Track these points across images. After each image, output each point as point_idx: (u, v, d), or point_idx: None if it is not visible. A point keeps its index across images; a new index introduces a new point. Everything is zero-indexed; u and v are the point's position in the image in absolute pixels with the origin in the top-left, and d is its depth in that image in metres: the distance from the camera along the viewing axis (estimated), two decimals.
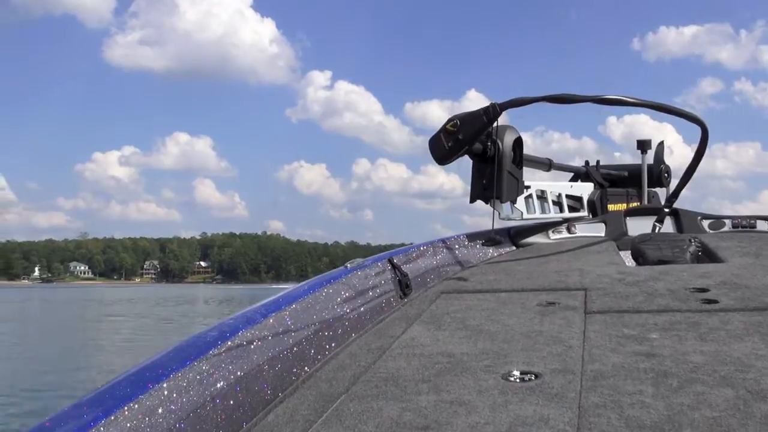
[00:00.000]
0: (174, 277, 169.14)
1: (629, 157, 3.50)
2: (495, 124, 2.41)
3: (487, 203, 2.51)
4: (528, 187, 2.62)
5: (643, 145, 3.18)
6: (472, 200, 2.48)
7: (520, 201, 2.55)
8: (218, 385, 1.16)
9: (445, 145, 2.40)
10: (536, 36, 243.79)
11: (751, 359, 1.18)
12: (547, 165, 2.93)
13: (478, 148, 2.43)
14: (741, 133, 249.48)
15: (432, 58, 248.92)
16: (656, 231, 2.60)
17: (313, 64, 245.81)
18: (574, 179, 3.14)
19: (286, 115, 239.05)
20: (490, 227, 2.58)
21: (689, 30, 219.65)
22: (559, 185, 2.87)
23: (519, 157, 2.51)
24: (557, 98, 2.56)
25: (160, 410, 1.05)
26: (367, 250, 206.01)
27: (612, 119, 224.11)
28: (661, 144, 3.29)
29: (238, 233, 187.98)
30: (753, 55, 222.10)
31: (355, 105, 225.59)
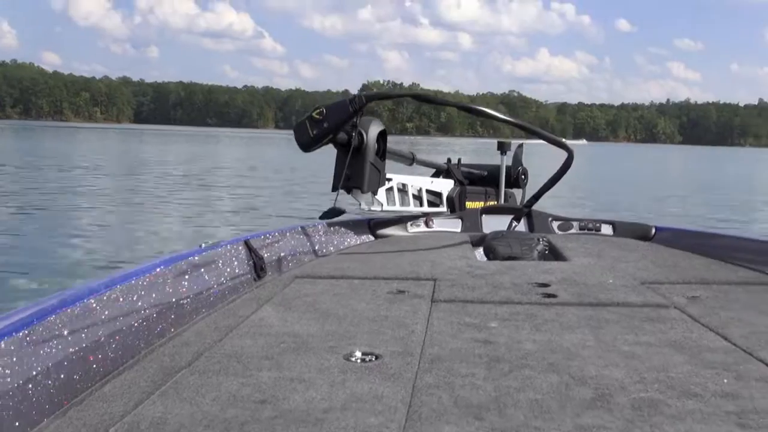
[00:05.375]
0: None
1: None
2: (360, 115, 2.72)
3: (348, 193, 2.83)
4: (390, 180, 2.95)
5: (503, 147, 3.62)
6: (334, 189, 2.77)
7: (381, 193, 2.87)
8: (55, 355, 1.26)
9: (310, 133, 2.69)
10: None
11: (578, 349, 1.46)
12: (410, 159, 3.29)
13: (342, 137, 2.72)
14: None
15: None
16: (511, 229, 3.01)
17: None
18: (435, 175, 3.53)
19: None
20: (351, 217, 2.90)
21: None
22: (420, 180, 3.23)
23: (382, 150, 2.84)
24: (424, 98, 2.93)
25: None
26: (139, 86, 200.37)
27: None
28: (520, 146, 3.75)
29: None
30: None
31: None
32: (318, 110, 2.69)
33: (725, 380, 1.26)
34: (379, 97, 2.79)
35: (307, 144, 2.70)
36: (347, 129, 2.72)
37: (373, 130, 2.77)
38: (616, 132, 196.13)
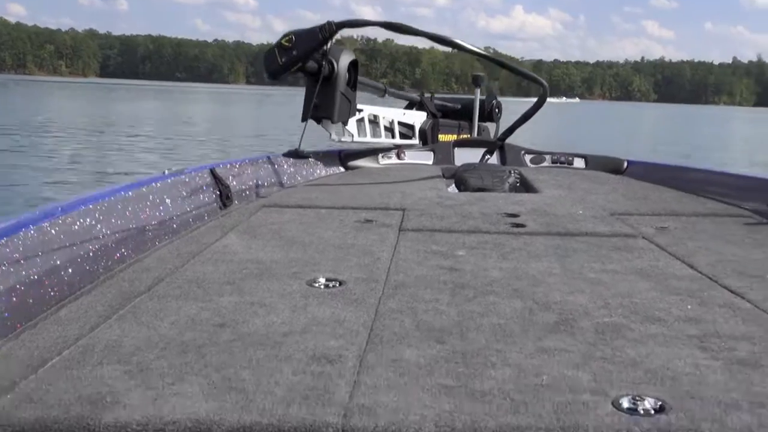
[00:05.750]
0: None
1: None
2: (330, 43, 2.68)
3: (318, 123, 2.80)
4: (361, 111, 2.93)
5: (477, 80, 3.60)
6: (304, 119, 2.74)
7: (352, 123, 2.85)
8: (8, 278, 1.24)
9: (279, 60, 2.65)
10: None
11: (544, 276, 1.48)
12: (382, 90, 3.26)
13: (312, 66, 2.69)
14: None
15: None
16: (484, 162, 3.01)
17: None
18: (409, 107, 3.50)
19: None
20: (321, 148, 2.87)
21: None
22: (392, 111, 3.21)
23: (353, 80, 2.80)
24: (394, 26, 2.89)
25: None
26: (106, 39, 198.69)
27: None
28: (494, 80, 3.73)
29: None
30: None
31: None
32: (287, 37, 2.65)
33: (689, 306, 1.28)
34: (349, 25, 2.75)
35: (276, 72, 2.67)
36: (317, 57, 2.69)
37: (344, 59, 2.74)
38: (592, 89, 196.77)
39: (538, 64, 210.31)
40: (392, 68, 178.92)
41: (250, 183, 2.40)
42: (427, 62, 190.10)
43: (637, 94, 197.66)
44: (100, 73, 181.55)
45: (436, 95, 3.65)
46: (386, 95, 3.34)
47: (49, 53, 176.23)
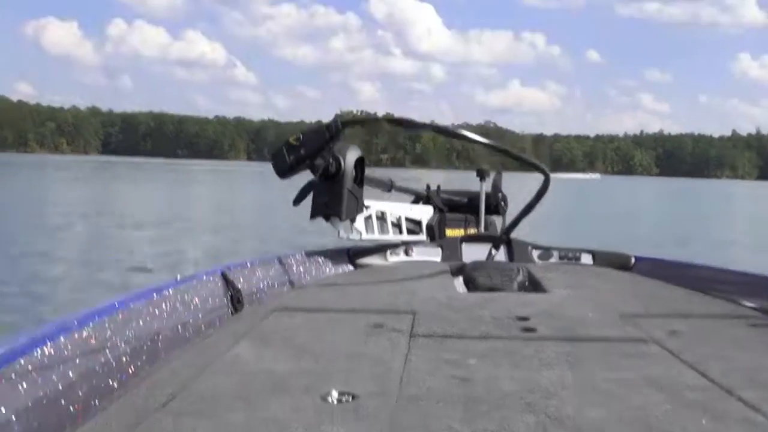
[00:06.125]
0: None
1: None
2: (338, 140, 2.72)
3: (327, 221, 2.82)
4: (368, 207, 2.95)
5: (482, 174, 3.64)
6: (313, 216, 2.77)
7: (360, 221, 2.87)
8: (24, 398, 1.24)
9: (287, 159, 2.69)
10: None
11: (557, 387, 1.46)
12: (388, 186, 3.30)
13: (319, 164, 2.73)
14: (497, 20, 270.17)
15: None
16: (491, 258, 3.02)
17: None
18: (415, 202, 3.54)
19: None
20: (329, 246, 2.89)
21: None
22: (399, 207, 3.24)
23: (360, 177, 2.84)
24: (400, 122, 2.94)
25: None
26: (108, 116, 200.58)
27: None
28: (499, 173, 3.78)
29: None
30: None
31: None
32: (295, 136, 2.70)
33: (703, 421, 1.27)
34: (355, 123, 2.80)
35: (284, 170, 2.71)
36: (324, 155, 2.73)
37: (351, 156, 2.78)
38: (594, 164, 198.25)
39: (539, 138, 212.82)
40: (393, 143, 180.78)
41: (261, 285, 2.41)
42: (427, 138, 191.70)
43: (639, 169, 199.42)
44: (102, 150, 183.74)
45: (441, 189, 3.69)
46: (392, 190, 3.37)
47: (50, 131, 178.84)
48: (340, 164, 2.73)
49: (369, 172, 2.95)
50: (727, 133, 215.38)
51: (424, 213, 3.40)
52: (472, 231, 3.54)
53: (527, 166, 2.98)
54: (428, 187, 3.65)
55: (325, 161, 2.72)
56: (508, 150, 3.08)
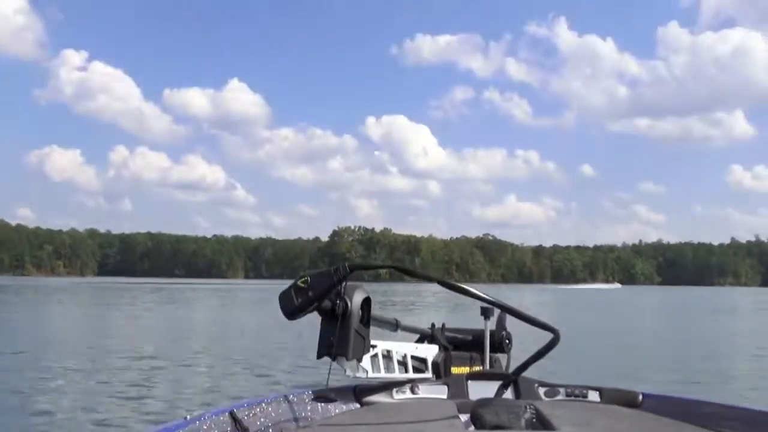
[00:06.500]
0: None
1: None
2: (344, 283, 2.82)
3: (333, 360, 2.88)
4: (374, 347, 3.01)
5: (486, 312, 3.71)
6: (319, 356, 2.82)
7: (366, 360, 2.92)
8: None
9: (295, 301, 2.78)
10: (303, 24, 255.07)
11: None
12: (394, 325, 3.37)
13: (326, 305, 2.81)
14: (490, 139, 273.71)
15: (194, 42, 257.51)
16: (499, 396, 3.05)
17: (66, 42, 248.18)
18: (420, 340, 3.60)
19: (33, 95, 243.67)
20: (336, 384, 2.93)
21: (443, 39, 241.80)
22: (404, 346, 3.29)
23: (366, 316, 2.92)
24: (404, 269, 3.06)
25: None
26: (106, 237, 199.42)
27: (371, 120, 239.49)
28: (503, 312, 3.84)
29: None
30: (501, 66, 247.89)
31: (112, 89, 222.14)
32: (303, 279, 2.79)
33: None
34: (362, 267, 2.90)
35: (292, 312, 2.78)
36: (331, 296, 2.81)
37: (357, 297, 2.86)
38: (594, 274, 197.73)
39: (539, 250, 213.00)
40: (391, 257, 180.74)
41: (269, 424, 2.45)
42: (426, 250, 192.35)
43: (642, 278, 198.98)
44: (98, 272, 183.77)
45: (446, 327, 3.75)
46: (398, 329, 3.44)
47: (47, 254, 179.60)
48: (347, 305, 2.81)
49: (375, 312, 3.02)
50: (726, 240, 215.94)
51: (430, 351, 3.46)
52: (477, 368, 3.58)
53: (534, 325, 3.05)
54: (433, 325, 3.72)
55: (332, 302, 2.80)
56: (512, 309, 3.14)
